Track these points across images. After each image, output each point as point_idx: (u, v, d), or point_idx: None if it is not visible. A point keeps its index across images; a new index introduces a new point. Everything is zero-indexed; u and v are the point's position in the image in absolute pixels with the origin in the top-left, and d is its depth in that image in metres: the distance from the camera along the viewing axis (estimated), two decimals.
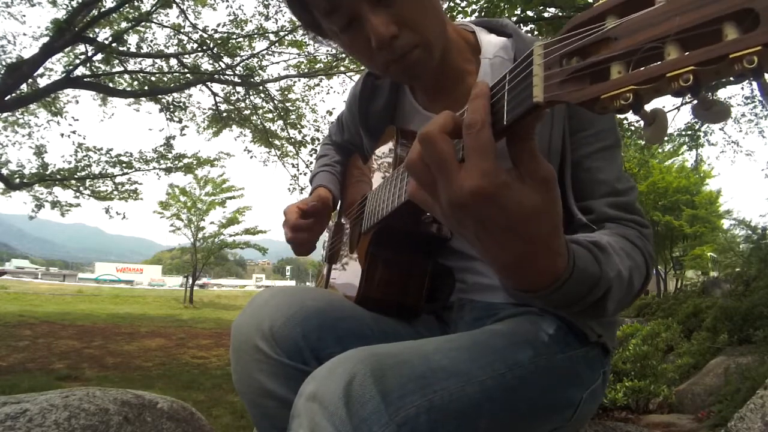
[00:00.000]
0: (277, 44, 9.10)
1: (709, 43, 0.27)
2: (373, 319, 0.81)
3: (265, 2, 8.60)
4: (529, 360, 0.68)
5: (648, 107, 0.33)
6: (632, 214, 0.73)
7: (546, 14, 6.02)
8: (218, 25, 8.81)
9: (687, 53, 0.28)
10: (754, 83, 0.29)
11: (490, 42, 0.84)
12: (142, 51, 8.87)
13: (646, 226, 0.73)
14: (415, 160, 0.47)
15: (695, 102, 0.30)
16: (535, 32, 5.77)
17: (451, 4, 5.92)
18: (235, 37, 8.81)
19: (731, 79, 0.29)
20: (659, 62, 0.29)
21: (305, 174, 10.36)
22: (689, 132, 10.26)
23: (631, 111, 0.32)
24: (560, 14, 5.58)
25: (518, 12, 5.64)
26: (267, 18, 8.76)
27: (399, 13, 0.70)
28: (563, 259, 0.49)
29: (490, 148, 0.42)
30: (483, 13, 5.81)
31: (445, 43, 0.78)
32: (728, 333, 5.56)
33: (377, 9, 0.69)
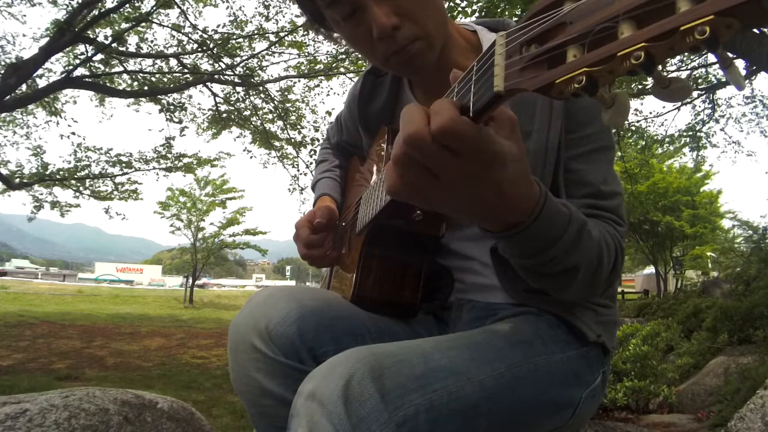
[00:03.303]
0: (277, 45, 9.10)
1: (662, 19, 0.27)
2: (370, 319, 0.81)
3: (266, 3, 8.61)
4: (528, 360, 0.68)
5: (608, 91, 0.32)
6: (610, 213, 0.74)
7: None
8: (218, 26, 8.83)
9: (639, 30, 0.28)
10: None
11: (491, 39, 0.84)
12: (142, 51, 8.87)
13: (622, 225, 0.74)
14: (408, 163, 0.48)
15: (652, 81, 0.30)
16: None
17: (451, 4, 5.93)
18: (234, 37, 8.82)
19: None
20: (612, 42, 0.29)
21: (305, 174, 10.37)
22: (690, 133, 10.25)
23: (587, 94, 0.31)
24: None
25: (518, 12, 5.65)
26: (267, 19, 8.77)
27: (401, 4, 0.70)
28: (537, 187, 0.56)
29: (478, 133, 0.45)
30: (483, 13, 5.81)
31: (445, 39, 0.78)
32: (728, 333, 5.56)
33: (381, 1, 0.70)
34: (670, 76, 0.29)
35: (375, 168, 0.91)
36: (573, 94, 0.32)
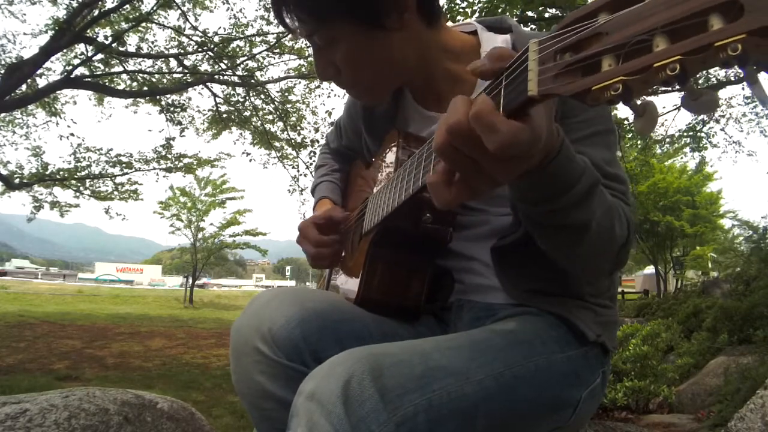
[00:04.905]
0: (277, 48, 9.10)
1: (695, 35, 0.28)
2: (374, 321, 0.81)
3: (266, 5, 8.60)
4: (527, 360, 0.68)
5: (640, 99, 0.34)
6: (618, 192, 0.72)
7: (546, 15, 6.03)
8: (219, 28, 8.83)
9: (674, 44, 0.29)
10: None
11: (490, 38, 0.86)
12: (141, 51, 8.87)
13: (629, 205, 0.73)
14: (450, 151, 0.48)
15: (683, 93, 0.31)
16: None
17: (451, 5, 5.94)
18: (234, 36, 8.82)
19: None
20: (648, 54, 0.30)
21: (305, 175, 10.37)
22: (691, 133, 10.25)
23: (621, 102, 0.33)
24: (560, 15, 5.58)
25: (518, 12, 5.65)
26: (269, 23, 8.76)
27: (333, 59, 0.78)
28: (557, 132, 0.54)
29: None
30: (483, 14, 5.81)
31: (433, 53, 0.82)
32: (728, 333, 5.55)
33: (319, 51, 0.80)
34: (700, 88, 0.31)
35: (384, 171, 0.91)
36: (608, 101, 0.33)
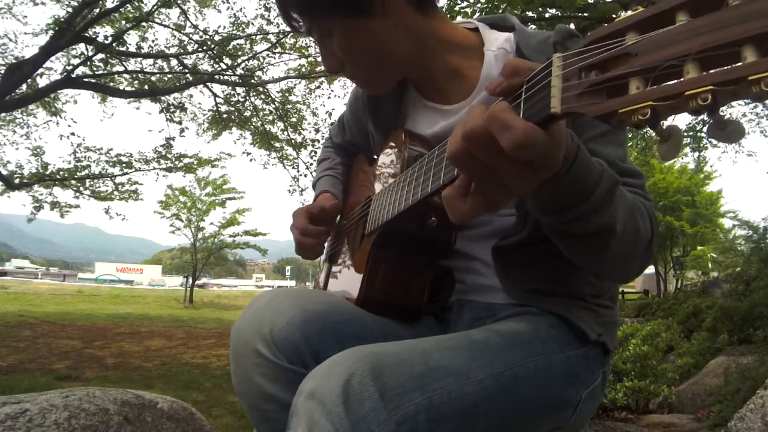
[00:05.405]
0: (278, 47, 9.11)
1: (727, 64, 0.28)
2: (375, 322, 0.81)
3: (267, 5, 8.61)
4: (527, 359, 0.68)
5: (664, 124, 0.33)
6: (636, 188, 0.72)
7: (546, 15, 6.02)
8: (219, 27, 8.83)
9: (706, 73, 0.28)
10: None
11: (493, 36, 0.86)
12: (142, 51, 8.87)
13: (649, 200, 0.72)
14: (466, 158, 0.47)
15: (710, 122, 0.31)
16: None
17: (451, 4, 5.94)
18: (234, 35, 8.82)
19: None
20: (678, 80, 0.30)
21: (305, 176, 10.37)
22: (691, 133, 10.25)
23: (648, 126, 0.32)
24: (561, 15, 5.58)
25: (518, 12, 5.64)
26: (270, 22, 8.77)
27: (335, 51, 0.81)
28: (571, 139, 0.52)
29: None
30: (483, 14, 5.81)
31: (434, 47, 0.83)
32: (728, 333, 5.55)
33: (322, 45, 0.83)
34: (726, 118, 0.30)
35: (387, 169, 0.90)
36: (635, 125, 0.32)
